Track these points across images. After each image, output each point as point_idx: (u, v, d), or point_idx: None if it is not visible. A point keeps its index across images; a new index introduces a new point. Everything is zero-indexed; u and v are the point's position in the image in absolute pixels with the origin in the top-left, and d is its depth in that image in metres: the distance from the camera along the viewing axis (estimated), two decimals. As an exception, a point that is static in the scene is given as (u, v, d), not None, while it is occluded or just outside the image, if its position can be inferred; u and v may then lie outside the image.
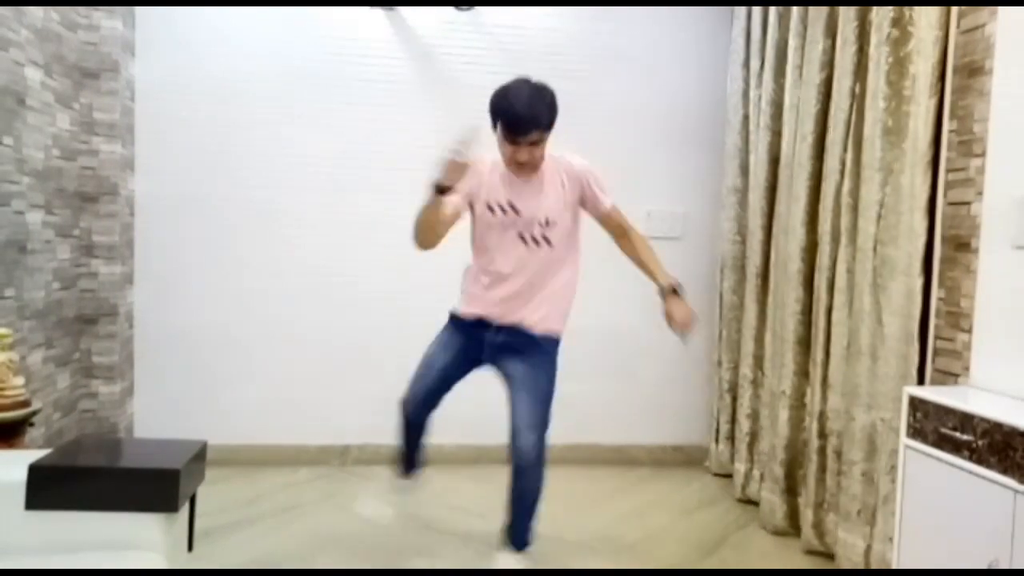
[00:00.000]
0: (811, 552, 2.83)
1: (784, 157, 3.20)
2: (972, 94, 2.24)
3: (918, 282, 2.39)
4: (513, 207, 2.40)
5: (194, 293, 3.64)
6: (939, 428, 2.01)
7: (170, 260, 3.62)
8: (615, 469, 3.81)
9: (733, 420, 3.68)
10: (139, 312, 3.63)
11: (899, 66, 2.49)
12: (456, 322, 2.54)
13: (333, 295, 3.72)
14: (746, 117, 3.57)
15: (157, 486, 1.72)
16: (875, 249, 2.57)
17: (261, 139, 3.64)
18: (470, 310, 2.49)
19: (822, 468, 2.81)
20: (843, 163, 2.74)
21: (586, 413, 3.87)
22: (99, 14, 3.32)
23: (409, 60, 3.72)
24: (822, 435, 2.81)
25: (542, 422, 2.40)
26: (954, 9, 2.32)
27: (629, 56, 3.84)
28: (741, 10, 3.61)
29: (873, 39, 2.59)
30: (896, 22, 2.49)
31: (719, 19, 3.86)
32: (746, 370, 3.46)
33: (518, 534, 2.49)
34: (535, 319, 2.45)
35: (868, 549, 2.53)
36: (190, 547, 1.93)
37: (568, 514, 2.97)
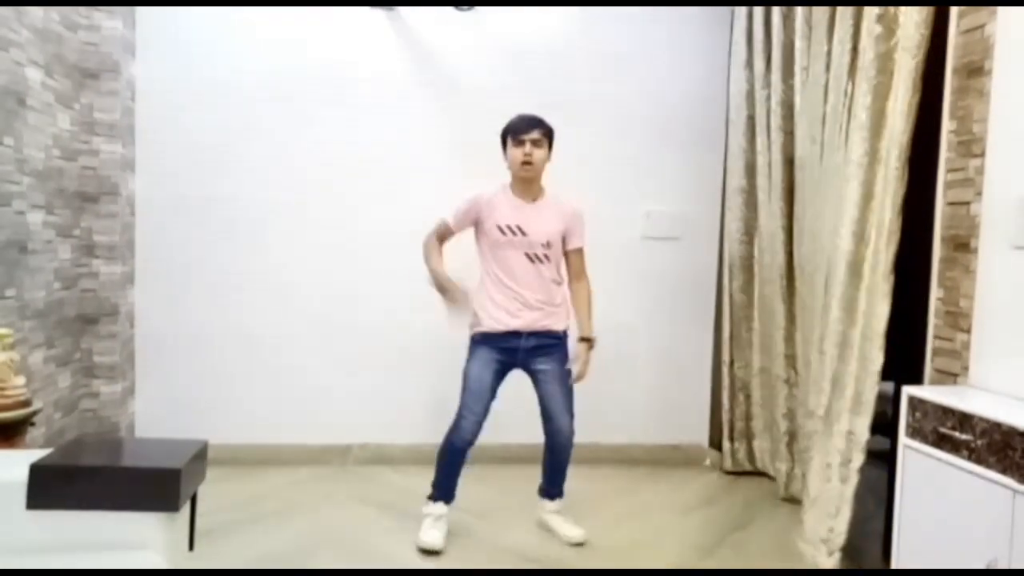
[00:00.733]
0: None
1: (798, 159, 3.22)
2: (972, 94, 2.24)
3: (888, 281, 2.41)
4: (521, 229, 2.76)
5: (195, 293, 3.64)
6: (938, 428, 2.02)
7: (170, 260, 3.62)
8: (615, 469, 3.81)
9: (747, 418, 3.70)
10: (140, 312, 3.63)
11: (879, 62, 2.50)
12: (488, 339, 2.80)
13: (333, 295, 3.72)
14: (751, 118, 3.58)
15: (158, 486, 1.72)
16: (840, 245, 2.60)
17: (261, 139, 3.64)
18: (501, 325, 2.78)
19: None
20: (836, 162, 2.76)
21: (586, 413, 3.86)
22: (99, 14, 3.32)
23: (409, 60, 3.72)
24: None
25: (571, 402, 2.90)
26: (953, 9, 2.32)
27: (629, 56, 3.84)
28: (742, 10, 3.62)
29: (863, 37, 2.60)
30: (880, 18, 2.50)
31: (719, 19, 3.86)
32: (779, 370, 3.45)
33: (558, 489, 3.01)
34: (555, 321, 2.84)
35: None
36: (191, 547, 1.93)
37: (569, 513, 2.98)
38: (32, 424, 2.45)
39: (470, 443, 2.82)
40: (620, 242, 3.87)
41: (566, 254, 2.89)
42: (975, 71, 2.23)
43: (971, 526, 1.90)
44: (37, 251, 2.98)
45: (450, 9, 3.70)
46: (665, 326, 3.98)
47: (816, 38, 2.97)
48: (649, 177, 3.90)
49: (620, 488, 3.55)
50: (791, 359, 3.41)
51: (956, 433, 1.95)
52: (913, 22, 2.35)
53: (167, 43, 3.56)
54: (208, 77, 3.58)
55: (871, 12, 2.53)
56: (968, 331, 2.22)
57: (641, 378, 3.96)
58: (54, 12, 3.05)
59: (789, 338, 3.41)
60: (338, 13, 3.65)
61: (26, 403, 2.38)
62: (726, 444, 3.79)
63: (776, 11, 3.32)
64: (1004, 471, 1.79)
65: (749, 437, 3.74)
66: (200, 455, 1.89)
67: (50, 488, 1.69)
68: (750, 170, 3.61)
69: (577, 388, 2.90)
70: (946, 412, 2.00)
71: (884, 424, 2.53)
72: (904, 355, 2.50)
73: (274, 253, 3.68)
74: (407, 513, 3.00)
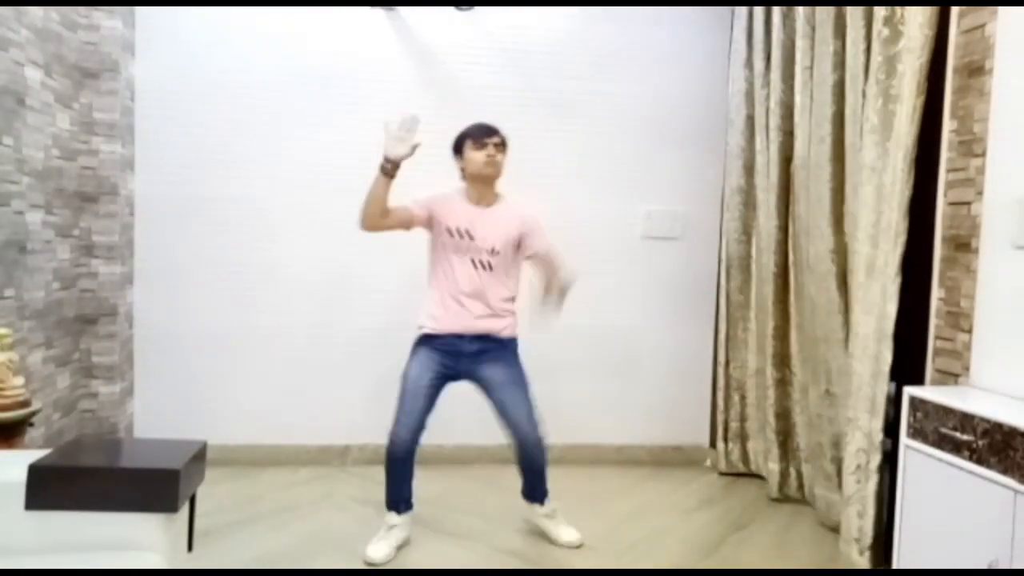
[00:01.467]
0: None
1: (799, 159, 3.21)
2: (972, 94, 2.24)
3: (895, 282, 2.41)
4: (469, 234, 2.73)
5: (194, 293, 3.64)
6: (939, 428, 2.01)
7: (170, 260, 3.61)
8: (615, 469, 3.81)
9: (742, 419, 3.69)
10: (139, 312, 3.63)
11: (887, 64, 2.50)
12: (429, 340, 2.76)
13: (333, 295, 3.72)
14: (750, 117, 3.58)
15: (157, 486, 1.72)
16: (859, 249, 2.59)
17: (261, 139, 3.63)
18: (440, 327, 2.74)
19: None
20: (859, 164, 2.75)
21: (586, 413, 3.88)
22: (99, 14, 3.32)
23: (409, 60, 3.72)
24: None
25: (533, 407, 2.78)
26: (954, 9, 2.32)
27: (629, 56, 3.84)
28: (742, 10, 3.61)
29: (874, 40, 2.60)
30: (887, 20, 2.50)
31: (719, 19, 3.86)
32: (772, 370, 3.43)
33: (540, 492, 2.90)
34: (500, 326, 2.77)
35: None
36: (190, 547, 1.93)
37: (569, 514, 2.97)
38: (31, 424, 2.45)
39: (409, 449, 2.73)
40: (620, 242, 3.87)
41: (530, 259, 2.85)
42: (976, 71, 2.23)
43: (972, 526, 1.90)
44: (36, 251, 2.98)
45: (450, 9, 3.69)
46: (666, 326, 3.97)
47: (820, 37, 2.96)
48: (649, 177, 3.90)
49: (621, 488, 3.55)
50: (785, 358, 3.40)
51: (957, 433, 1.95)
52: (917, 23, 2.35)
53: (167, 43, 3.56)
54: (208, 77, 3.58)
55: (879, 13, 2.53)
56: (969, 331, 2.22)
57: (641, 378, 3.96)
58: (54, 12, 3.04)
59: (783, 337, 3.40)
60: (338, 13, 3.65)
61: (25, 403, 2.38)
62: (720, 445, 3.79)
63: (776, 10, 3.31)
64: (1005, 471, 1.79)
65: (743, 438, 3.72)
66: (199, 456, 1.89)
67: (49, 489, 1.69)
68: (749, 170, 3.61)
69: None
70: (947, 412, 2.00)
71: (887, 425, 2.53)
72: (905, 355, 2.49)
73: (273, 253, 3.68)
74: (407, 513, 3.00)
